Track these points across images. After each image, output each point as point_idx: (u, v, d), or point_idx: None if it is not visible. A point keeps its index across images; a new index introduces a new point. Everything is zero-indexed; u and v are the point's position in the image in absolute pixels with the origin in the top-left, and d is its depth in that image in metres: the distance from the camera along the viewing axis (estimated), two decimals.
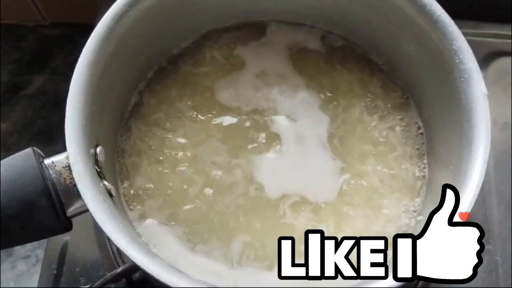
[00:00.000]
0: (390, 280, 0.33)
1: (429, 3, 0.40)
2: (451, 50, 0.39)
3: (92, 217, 0.50)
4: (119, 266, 0.49)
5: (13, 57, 0.74)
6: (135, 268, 0.47)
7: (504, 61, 0.60)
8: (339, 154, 0.46)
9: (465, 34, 0.41)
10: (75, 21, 0.72)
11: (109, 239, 0.50)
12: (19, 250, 0.65)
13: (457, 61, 0.39)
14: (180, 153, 0.45)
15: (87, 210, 0.36)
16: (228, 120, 0.47)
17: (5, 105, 0.71)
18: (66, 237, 0.53)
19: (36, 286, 0.52)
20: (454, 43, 0.39)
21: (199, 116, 0.47)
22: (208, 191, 0.44)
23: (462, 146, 0.37)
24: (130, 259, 0.46)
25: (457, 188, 0.36)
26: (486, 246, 0.52)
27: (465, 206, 0.35)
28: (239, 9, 0.50)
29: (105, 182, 0.37)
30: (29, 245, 0.65)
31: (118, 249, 0.50)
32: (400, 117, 0.47)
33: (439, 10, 0.40)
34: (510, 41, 0.61)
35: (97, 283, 0.46)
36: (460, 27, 0.41)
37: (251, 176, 0.44)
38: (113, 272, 0.46)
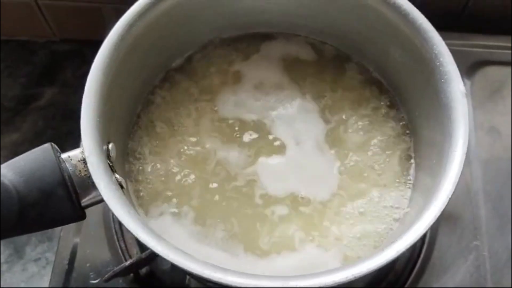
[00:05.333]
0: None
1: (411, 12, 0.44)
2: (433, 54, 0.43)
3: (102, 215, 0.54)
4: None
5: (25, 71, 0.77)
6: (142, 262, 0.50)
7: (490, 70, 0.64)
8: (335, 156, 0.49)
9: (453, 45, 0.44)
10: (84, 37, 0.76)
11: (117, 236, 0.54)
12: (30, 253, 0.67)
13: (438, 64, 0.42)
14: (185, 155, 0.49)
15: (100, 201, 0.39)
16: (229, 126, 0.50)
17: (17, 116, 0.74)
18: (76, 239, 0.56)
19: (47, 286, 0.54)
20: (435, 48, 0.43)
21: (202, 121, 0.50)
22: (213, 190, 0.47)
23: (443, 141, 0.41)
24: (136, 255, 0.50)
25: (438, 179, 0.39)
26: (474, 242, 0.55)
27: (445, 194, 0.38)
28: (239, 21, 0.53)
29: (117, 175, 0.40)
30: (39, 248, 0.67)
31: (126, 245, 0.53)
32: (389, 118, 0.51)
33: (421, 18, 0.44)
34: (495, 51, 0.65)
35: (106, 276, 0.49)
36: (448, 38, 0.44)
37: (254, 176, 0.48)
38: (121, 265, 0.49)
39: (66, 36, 0.78)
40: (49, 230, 0.66)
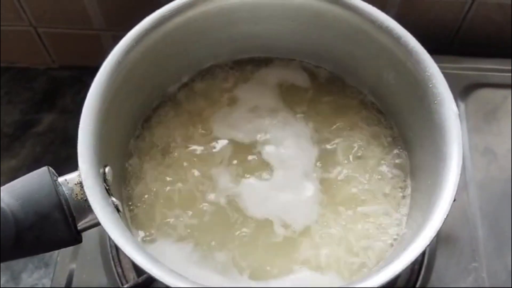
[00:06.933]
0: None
1: (403, 36, 0.45)
2: (425, 76, 0.44)
3: (99, 240, 0.54)
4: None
5: (25, 97, 0.78)
6: (138, 287, 0.50)
7: (483, 92, 0.65)
8: (323, 183, 0.49)
9: (446, 68, 0.45)
10: (83, 64, 0.76)
11: (114, 261, 0.53)
12: (26, 279, 0.67)
13: (430, 85, 0.43)
14: (180, 177, 0.49)
15: (96, 224, 0.39)
16: (222, 148, 0.51)
17: (16, 142, 0.75)
18: (73, 264, 0.56)
19: None
20: (427, 70, 0.44)
21: (196, 144, 0.51)
22: (205, 211, 0.47)
23: (438, 161, 0.41)
24: (133, 279, 0.49)
25: (434, 199, 0.39)
26: (473, 264, 0.55)
27: (441, 214, 0.38)
28: (235, 46, 0.54)
29: (113, 199, 0.40)
30: (36, 275, 0.67)
31: (122, 270, 0.53)
32: (384, 141, 0.51)
33: (413, 41, 0.45)
34: (487, 73, 0.66)
35: None
36: (441, 61, 0.45)
37: (236, 199, 0.48)
38: None
39: (65, 63, 0.79)
40: (46, 257, 0.66)
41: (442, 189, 0.39)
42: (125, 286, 0.49)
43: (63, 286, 0.54)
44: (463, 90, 0.64)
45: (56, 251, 0.58)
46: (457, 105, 0.42)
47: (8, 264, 0.66)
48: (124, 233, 0.37)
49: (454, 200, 0.39)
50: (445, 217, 0.37)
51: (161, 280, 0.35)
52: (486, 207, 0.58)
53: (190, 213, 0.47)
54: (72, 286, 0.54)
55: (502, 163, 0.61)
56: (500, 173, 0.60)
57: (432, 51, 0.45)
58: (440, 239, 0.55)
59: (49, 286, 0.59)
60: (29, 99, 0.78)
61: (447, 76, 0.44)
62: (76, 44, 0.74)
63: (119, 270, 0.53)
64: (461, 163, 0.40)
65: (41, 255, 0.66)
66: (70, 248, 0.55)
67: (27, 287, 0.64)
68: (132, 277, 0.53)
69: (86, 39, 0.73)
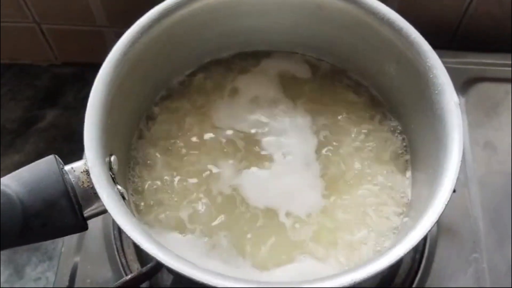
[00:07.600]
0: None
1: (405, 27, 0.45)
2: (426, 67, 0.44)
3: (103, 231, 0.54)
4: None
5: (28, 94, 0.78)
6: (142, 277, 0.50)
7: (483, 86, 0.65)
8: (323, 172, 0.49)
9: (446, 63, 0.45)
10: (85, 60, 0.77)
11: (118, 252, 0.54)
12: (30, 273, 0.67)
13: (431, 76, 0.44)
14: (181, 166, 0.50)
15: (102, 212, 0.40)
16: (224, 138, 0.51)
17: (19, 138, 0.75)
18: (77, 255, 0.56)
19: None
20: (428, 61, 0.44)
21: (198, 135, 0.52)
22: (208, 202, 0.48)
23: (439, 150, 0.41)
24: (137, 270, 0.50)
25: (435, 187, 0.40)
26: (473, 255, 0.55)
27: (441, 202, 0.38)
28: (237, 39, 0.55)
29: (119, 187, 0.41)
30: (39, 268, 0.67)
31: (127, 261, 0.53)
32: (385, 132, 0.52)
33: (414, 32, 0.45)
34: (488, 68, 0.66)
35: None
36: (442, 56, 0.45)
37: (239, 188, 0.48)
38: (122, 280, 0.49)
39: (68, 60, 0.79)
40: (50, 250, 0.66)
41: (443, 177, 0.39)
42: (129, 277, 0.49)
43: (67, 276, 0.54)
44: (463, 85, 0.65)
45: (60, 244, 0.58)
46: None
47: (11, 258, 0.67)
48: (130, 219, 0.37)
49: (454, 191, 0.39)
50: (447, 201, 0.38)
51: (168, 265, 0.35)
52: (487, 200, 0.58)
53: (194, 203, 0.48)
54: (77, 278, 0.54)
55: (503, 157, 0.61)
56: (501, 167, 0.61)
57: (432, 46, 0.45)
58: (441, 232, 0.56)
59: (53, 279, 0.59)
60: (32, 96, 0.78)
61: (447, 70, 0.44)
62: (79, 40, 0.75)
63: (123, 261, 0.53)
64: (461, 152, 0.40)
65: (44, 249, 0.66)
66: (74, 240, 0.56)
67: (31, 283, 0.65)
68: (136, 267, 0.53)
69: (89, 35, 0.73)
